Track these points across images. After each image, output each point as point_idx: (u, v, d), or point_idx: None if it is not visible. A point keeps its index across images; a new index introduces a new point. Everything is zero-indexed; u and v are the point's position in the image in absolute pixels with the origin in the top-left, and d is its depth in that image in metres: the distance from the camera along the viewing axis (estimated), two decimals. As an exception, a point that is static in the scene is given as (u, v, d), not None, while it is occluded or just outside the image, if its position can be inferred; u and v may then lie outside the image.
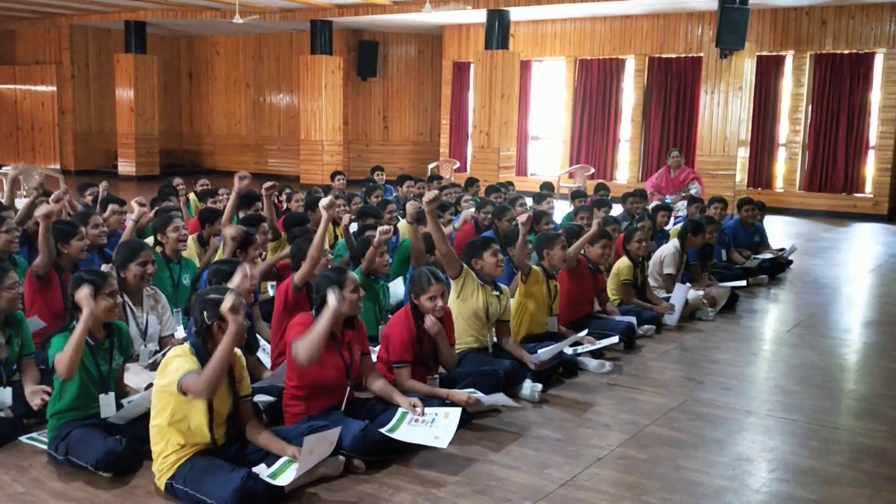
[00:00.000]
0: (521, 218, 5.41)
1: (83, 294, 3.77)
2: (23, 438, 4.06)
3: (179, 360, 3.50)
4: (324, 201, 5.00)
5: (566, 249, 5.81)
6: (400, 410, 4.09)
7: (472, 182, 11.08)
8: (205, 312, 3.55)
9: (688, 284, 6.88)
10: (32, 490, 3.61)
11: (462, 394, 4.38)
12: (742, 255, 8.82)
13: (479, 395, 4.47)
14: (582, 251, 6.23)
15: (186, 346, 3.61)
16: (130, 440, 3.74)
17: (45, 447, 3.91)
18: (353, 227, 7.60)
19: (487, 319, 5.12)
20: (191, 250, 6.52)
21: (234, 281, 3.73)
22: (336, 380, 4.07)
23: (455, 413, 4.04)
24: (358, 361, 4.20)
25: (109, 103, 19.71)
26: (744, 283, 7.88)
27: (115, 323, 4.06)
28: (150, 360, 4.68)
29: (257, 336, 5.20)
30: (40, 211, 4.77)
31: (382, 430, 3.92)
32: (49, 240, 4.87)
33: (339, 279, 4.08)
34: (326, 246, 5.17)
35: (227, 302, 3.41)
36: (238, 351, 3.76)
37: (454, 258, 5.06)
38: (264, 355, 4.98)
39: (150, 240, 6.12)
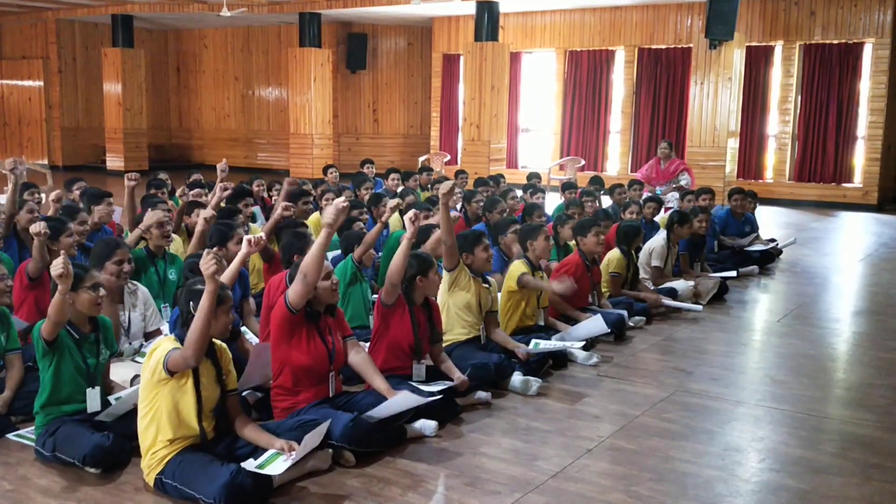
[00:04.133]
0: (442, 188, 5.03)
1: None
2: (10, 435, 4.04)
3: (162, 347, 3.50)
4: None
5: (549, 240, 5.82)
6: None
7: (460, 173, 11.07)
8: (191, 303, 3.53)
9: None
10: (20, 487, 3.59)
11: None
12: (732, 241, 8.84)
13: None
14: (577, 244, 6.23)
15: (172, 337, 3.61)
16: (118, 436, 3.72)
17: (32, 444, 3.88)
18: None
19: (480, 311, 5.14)
20: (177, 245, 6.49)
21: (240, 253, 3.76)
22: (320, 366, 4.06)
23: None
24: (341, 347, 4.19)
25: (97, 98, 19.60)
26: (734, 273, 7.89)
27: (100, 317, 4.03)
28: (135, 352, 4.67)
29: (246, 330, 5.18)
30: (33, 228, 4.61)
31: (370, 413, 3.92)
32: (43, 249, 4.81)
33: (304, 240, 4.22)
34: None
35: (207, 261, 3.39)
36: (223, 344, 3.74)
37: (455, 250, 5.06)
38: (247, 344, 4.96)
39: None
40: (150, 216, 5.53)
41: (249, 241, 4.24)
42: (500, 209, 7.72)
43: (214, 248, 4.14)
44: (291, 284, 4.00)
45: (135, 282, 4.95)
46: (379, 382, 4.15)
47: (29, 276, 4.91)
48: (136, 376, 4.09)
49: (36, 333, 3.77)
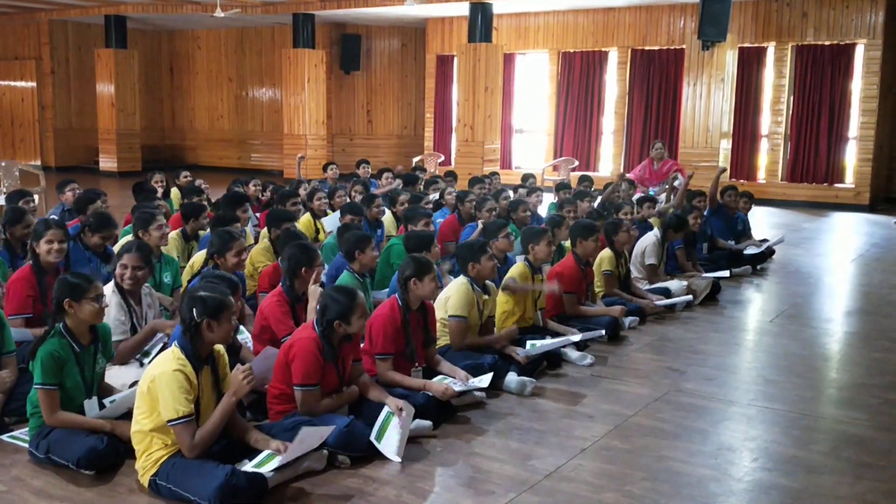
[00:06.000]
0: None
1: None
2: (4, 437, 4.04)
3: (170, 379, 3.43)
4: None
5: (551, 245, 5.83)
6: (385, 411, 4.04)
7: (448, 174, 11.07)
8: (194, 310, 3.52)
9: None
10: (14, 489, 3.59)
11: (439, 386, 4.38)
12: (724, 244, 8.88)
13: (451, 381, 4.52)
14: (573, 247, 6.24)
15: (176, 349, 3.55)
16: (112, 438, 3.72)
17: (26, 445, 3.88)
18: (336, 219, 7.56)
19: (479, 319, 5.16)
20: (173, 245, 6.48)
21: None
22: (330, 389, 4.07)
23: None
24: (350, 368, 4.19)
25: (90, 99, 19.53)
26: (727, 273, 7.92)
27: (99, 326, 4.01)
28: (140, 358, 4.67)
29: (241, 327, 5.18)
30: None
31: (372, 439, 3.90)
32: None
33: (351, 304, 3.99)
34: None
35: (243, 377, 3.50)
36: (221, 348, 3.74)
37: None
38: (246, 352, 4.95)
39: (128, 237, 6.07)
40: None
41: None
42: (489, 208, 7.72)
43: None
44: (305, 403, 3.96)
45: (149, 285, 4.94)
46: (376, 393, 4.18)
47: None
48: (136, 382, 4.07)
49: (35, 376, 3.75)
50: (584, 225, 6.30)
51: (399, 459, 3.84)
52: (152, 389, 3.46)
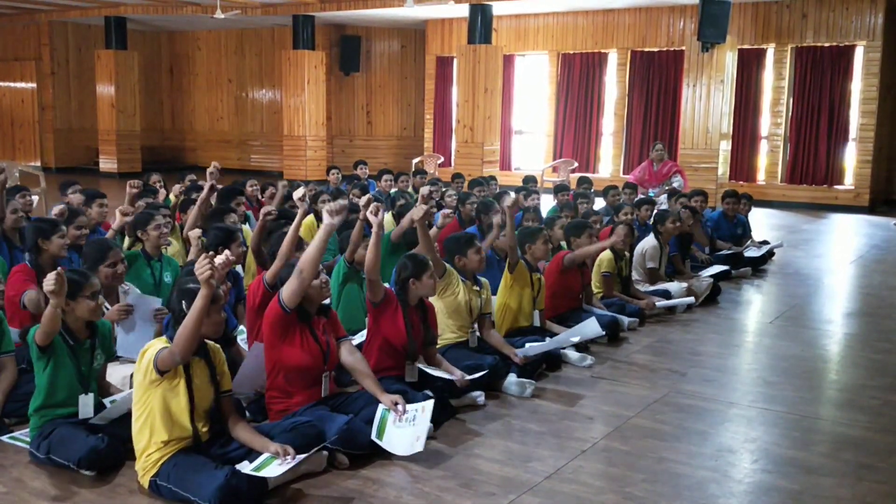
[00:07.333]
0: (507, 202, 5.45)
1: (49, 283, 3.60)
2: (4, 437, 4.04)
3: (153, 348, 3.49)
4: (297, 192, 4.99)
5: (548, 244, 5.83)
6: (381, 408, 4.04)
7: (456, 176, 11.09)
8: (183, 302, 3.53)
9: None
10: (14, 489, 3.59)
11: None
12: (724, 245, 8.89)
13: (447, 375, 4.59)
14: (569, 246, 6.24)
15: (164, 338, 3.59)
16: (113, 438, 3.72)
17: (26, 446, 3.88)
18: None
19: (470, 314, 5.13)
20: (176, 248, 6.47)
21: (219, 259, 3.69)
22: (314, 366, 4.06)
23: (429, 405, 4.03)
24: (335, 347, 4.19)
25: (90, 100, 19.55)
26: (727, 267, 7.92)
27: (99, 322, 4.02)
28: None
29: (240, 326, 5.18)
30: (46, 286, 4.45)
31: (373, 438, 3.89)
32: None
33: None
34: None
35: (201, 265, 3.37)
36: (217, 346, 3.74)
37: (440, 262, 5.06)
38: (244, 344, 4.95)
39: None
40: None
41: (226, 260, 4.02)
42: (494, 211, 7.72)
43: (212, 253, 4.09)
44: (286, 283, 4.00)
45: (128, 283, 4.94)
46: (369, 383, 4.14)
47: (24, 305, 4.68)
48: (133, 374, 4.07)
49: (30, 337, 3.76)
50: (577, 224, 6.34)
51: (421, 449, 3.83)
52: (145, 369, 3.47)
